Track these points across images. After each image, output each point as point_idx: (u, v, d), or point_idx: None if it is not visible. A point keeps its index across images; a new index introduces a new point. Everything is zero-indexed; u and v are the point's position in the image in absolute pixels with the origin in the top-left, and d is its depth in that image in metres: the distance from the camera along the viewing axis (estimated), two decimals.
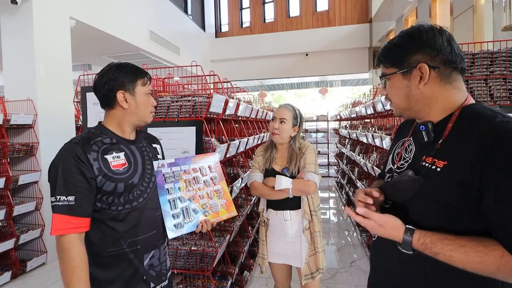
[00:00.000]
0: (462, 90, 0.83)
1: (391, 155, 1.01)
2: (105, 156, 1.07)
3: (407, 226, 0.78)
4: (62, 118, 3.56)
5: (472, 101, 0.83)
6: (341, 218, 4.93)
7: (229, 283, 2.35)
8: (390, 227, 0.80)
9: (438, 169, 0.77)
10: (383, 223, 0.80)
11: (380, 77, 0.91)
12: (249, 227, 3.09)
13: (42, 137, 3.31)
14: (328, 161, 8.30)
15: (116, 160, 1.09)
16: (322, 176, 8.04)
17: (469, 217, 0.73)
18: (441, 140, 0.79)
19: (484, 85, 1.64)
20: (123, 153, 1.12)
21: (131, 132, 1.19)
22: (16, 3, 3.16)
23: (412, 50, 0.81)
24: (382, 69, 0.90)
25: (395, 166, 0.93)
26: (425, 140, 0.83)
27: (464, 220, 0.74)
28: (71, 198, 0.99)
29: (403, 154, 0.93)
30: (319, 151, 8.32)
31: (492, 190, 0.68)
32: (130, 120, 1.15)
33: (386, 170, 1.00)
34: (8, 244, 2.95)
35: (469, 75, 1.67)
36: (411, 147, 0.91)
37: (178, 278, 2.24)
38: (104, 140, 1.10)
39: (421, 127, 0.84)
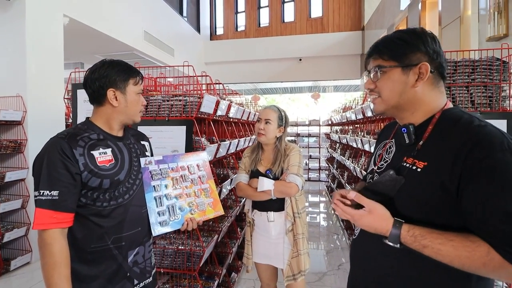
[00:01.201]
0: (444, 95, 0.87)
1: (373, 157, 1.04)
2: (92, 152, 1.07)
3: (396, 218, 0.78)
4: (52, 115, 3.52)
5: (450, 105, 0.87)
6: (331, 222, 4.96)
7: (215, 284, 2.35)
8: (379, 215, 0.80)
9: (419, 170, 0.79)
10: (372, 208, 0.80)
11: (377, 67, 0.86)
12: (238, 229, 3.09)
13: (30, 134, 3.27)
14: (319, 166, 8.35)
15: (103, 156, 1.09)
16: (313, 181, 8.10)
17: (447, 214, 0.76)
18: (421, 142, 0.82)
19: (466, 92, 1.70)
20: (110, 149, 1.12)
21: (119, 130, 1.19)
22: None
23: (417, 47, 0.82)
24: (377, 60, 0.86)
25: (376, 167, 0.96)
26: (407, 142, 0.85)
27: (443, 217, 0.76)
28: (55, 193, 0.98)
29: (384, 155, 0.96)
30: (310, 156, 8.36)
31: (471, 191, 0.70)
32: (118, 118, 1.16)
33: (368, 171, 1.03)
34: None
35: (452, 82, 1.72)
36: (391, 148, 0.94)
37: (165, 278, 2.23)
38: (91, 136, 1.10)
39: (402, 129, 0.86)
